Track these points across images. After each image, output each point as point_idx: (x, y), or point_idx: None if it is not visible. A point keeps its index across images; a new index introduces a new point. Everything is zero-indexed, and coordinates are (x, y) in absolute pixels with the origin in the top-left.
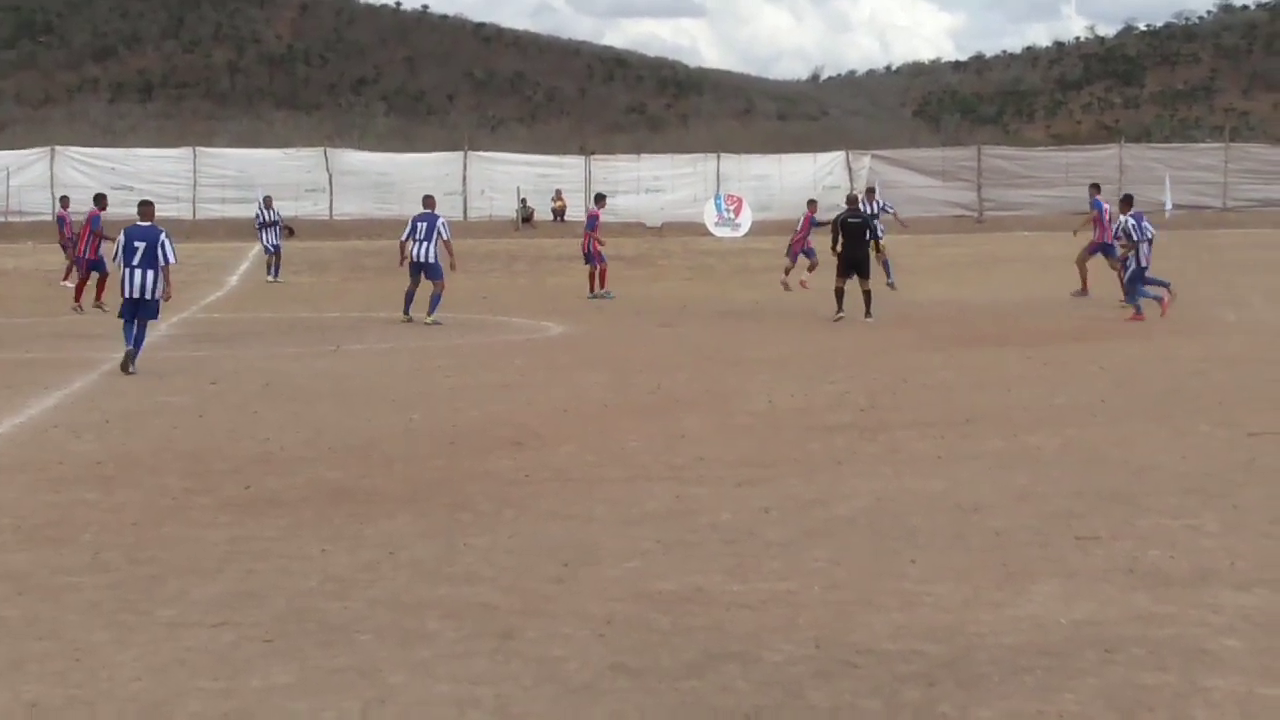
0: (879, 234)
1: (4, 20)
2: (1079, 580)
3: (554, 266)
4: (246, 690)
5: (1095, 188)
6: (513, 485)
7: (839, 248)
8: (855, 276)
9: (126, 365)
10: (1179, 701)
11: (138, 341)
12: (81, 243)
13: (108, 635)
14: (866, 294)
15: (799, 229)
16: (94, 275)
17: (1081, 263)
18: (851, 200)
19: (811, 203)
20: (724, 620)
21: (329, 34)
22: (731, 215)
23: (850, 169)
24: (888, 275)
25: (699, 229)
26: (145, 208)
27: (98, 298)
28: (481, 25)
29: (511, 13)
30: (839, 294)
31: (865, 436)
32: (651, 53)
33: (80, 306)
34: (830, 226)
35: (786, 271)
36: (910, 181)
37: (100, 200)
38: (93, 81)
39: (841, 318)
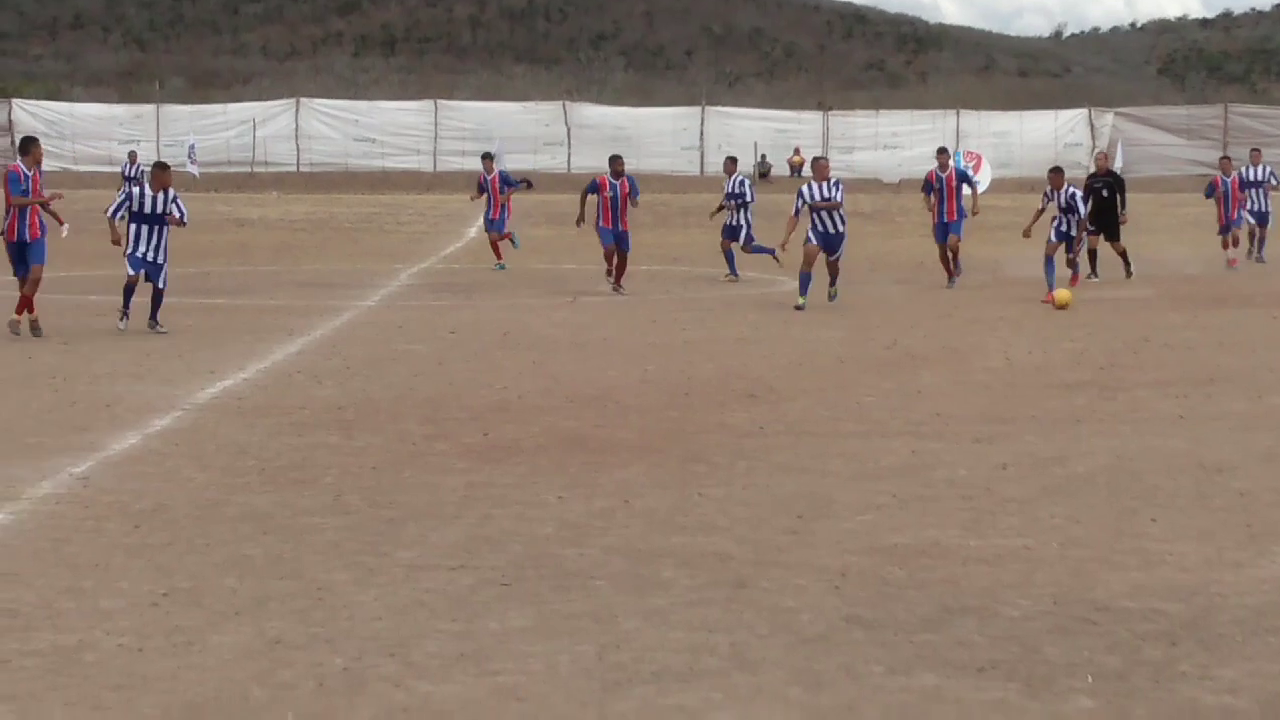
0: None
1: None
2: None
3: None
4: (484, 632)
5: None
6: (747, 438)
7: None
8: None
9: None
10: None
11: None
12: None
13: (348, 575)
14: (1122, 254)
15: None
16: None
17: None
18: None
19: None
20: (960, 575)
21: None
22: (971, 171)
23: (1093, 126)
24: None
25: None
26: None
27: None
28: None
29: None
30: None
31: (1105, 395)
32: (891, 8)
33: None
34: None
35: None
36: (1154, 139)
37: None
38: (337, 35)
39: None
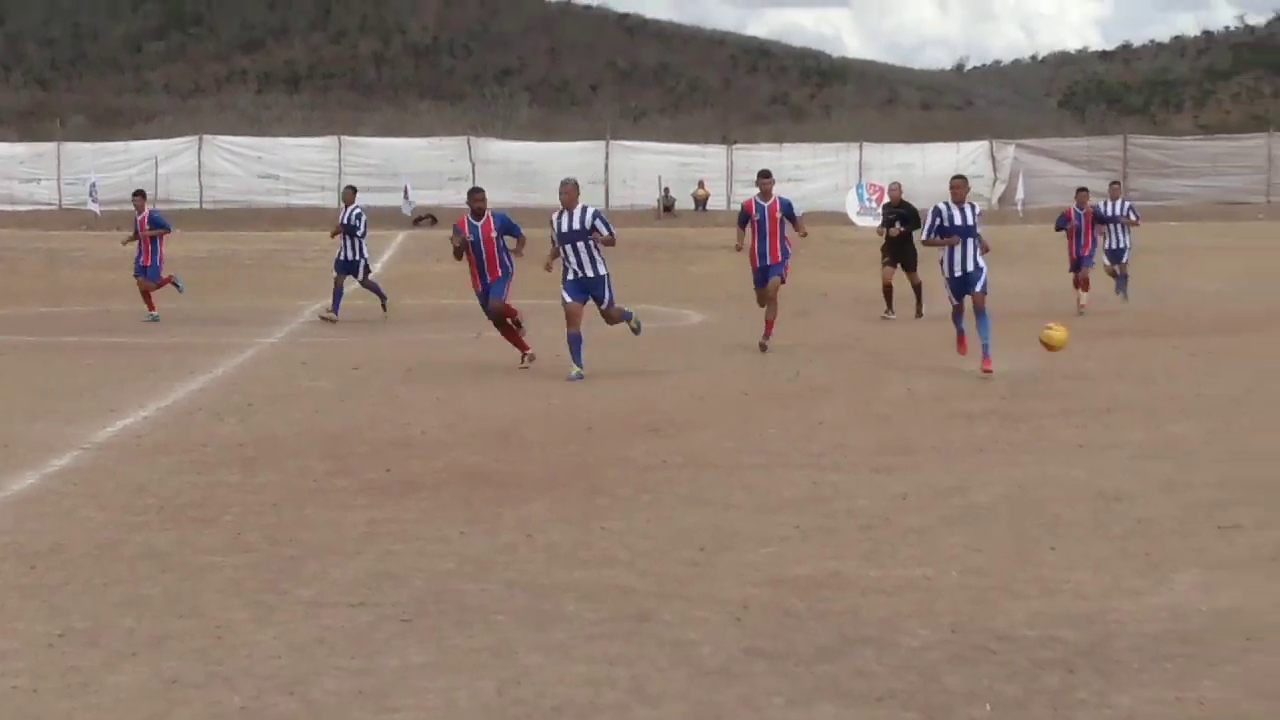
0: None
1: (154, 12)
2: (1222, 569)
3: (694, 255)
4: (383, 669)
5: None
6: (649, 471)
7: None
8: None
9: None
10: None
11: None
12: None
13: (248, 614)
14: (917, 288)
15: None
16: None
17: None
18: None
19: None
20: (860, 605)
21: (474, 24)
22: (873, 204)
23: (994, 158)
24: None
25: (840, 218)
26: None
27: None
28: (625, 16)
29: (656, 3)
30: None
31: (1005, 425)
32: (796, 43)
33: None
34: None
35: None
36: (1055, 171)
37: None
38: (241, 72)
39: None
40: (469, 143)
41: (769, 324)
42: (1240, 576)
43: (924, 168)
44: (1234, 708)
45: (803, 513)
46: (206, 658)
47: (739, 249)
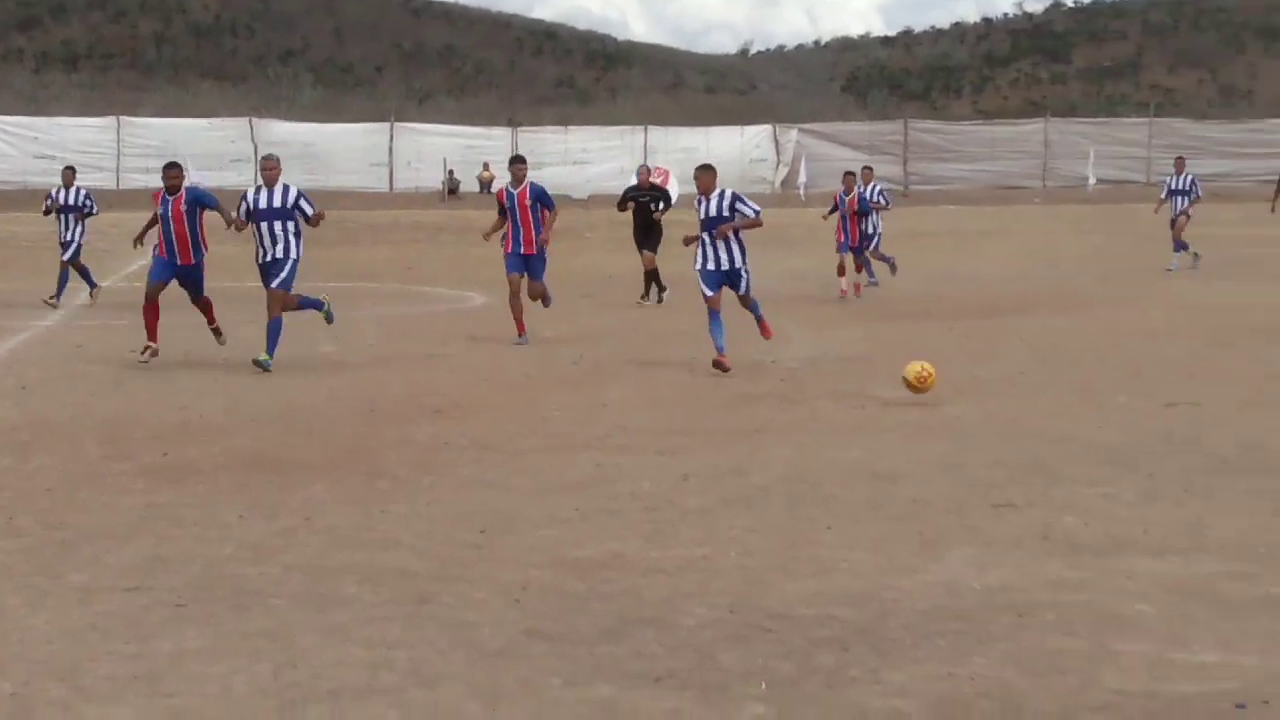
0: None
1: None
2: (994, 548)
3: (478, 238)
4: (157, 654)
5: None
6: (431, 453)
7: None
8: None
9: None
10: (1089, 665)
11: None
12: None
13: (19, 599)
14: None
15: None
16: None
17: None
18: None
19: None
20: (640, 586)
21: (256, 5)
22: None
23: (778, 142)
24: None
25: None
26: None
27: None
28: None
29: None
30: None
31: (784, 406)
32: (581, 26)
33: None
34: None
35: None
36: (837, 155)
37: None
38: (17, 51)
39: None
40: (251, 124)
41: (520, 327)
42: (1011, 554)
43: (708, 151)
44: (1004, 684)
45: (585, 495)
46: None
47: (487, 238)
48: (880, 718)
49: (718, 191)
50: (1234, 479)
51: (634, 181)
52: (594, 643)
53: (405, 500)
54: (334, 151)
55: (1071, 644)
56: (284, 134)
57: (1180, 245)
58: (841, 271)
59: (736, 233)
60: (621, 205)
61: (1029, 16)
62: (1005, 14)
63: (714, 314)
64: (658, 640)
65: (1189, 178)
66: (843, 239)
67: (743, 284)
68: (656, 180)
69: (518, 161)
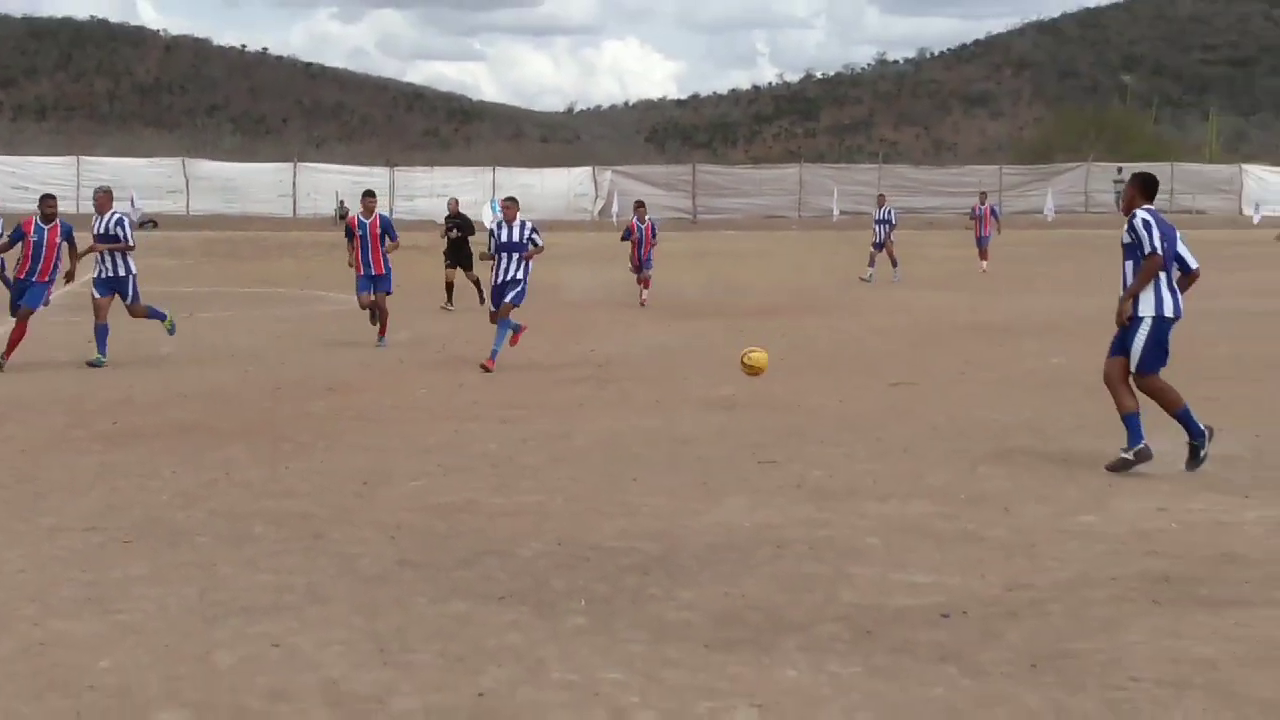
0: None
1: None
2: (760, 495)
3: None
4: (109, 580)
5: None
6: (325, 422)
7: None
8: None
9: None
10: (831, 585)
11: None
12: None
13: None
14: (475, 282)
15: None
16: None
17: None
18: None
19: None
20: (488, 526)
21: (188, 69)
22: (501, 214)
23: (596, 181)
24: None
25: (478, 225)
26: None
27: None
28: (310, 64)
29: (333, 54)
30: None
31: (600, 387)
32: (443, 88)
33: None
34: None
35: None
36: (642, 191)
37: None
38: None
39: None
40: (184, 163)
41: (382, 327)
42: (774, 500)
43: (542, 187)
44: (768, 599)
45: (445, 454)
46: None
47: (350, 264)
48: (673, 626)
49: (519, 221)
50: (942, 441)
51: (492, 216)
52: (452, 569)
53: (304, 459)
54: (249, 185)
55: (818, 569)
56: (209, 171)
57: (875, 261)
58: (643, 283)
59: (528, 258)
60: (443, 233)
61: (788, 85)
62: (770, 83)
63: (503, 332)
64: (501, 567)
65: (889, 210)
66: (636, 261)
67: (511, 295)
68: (500, 212)
69: (368, 195)
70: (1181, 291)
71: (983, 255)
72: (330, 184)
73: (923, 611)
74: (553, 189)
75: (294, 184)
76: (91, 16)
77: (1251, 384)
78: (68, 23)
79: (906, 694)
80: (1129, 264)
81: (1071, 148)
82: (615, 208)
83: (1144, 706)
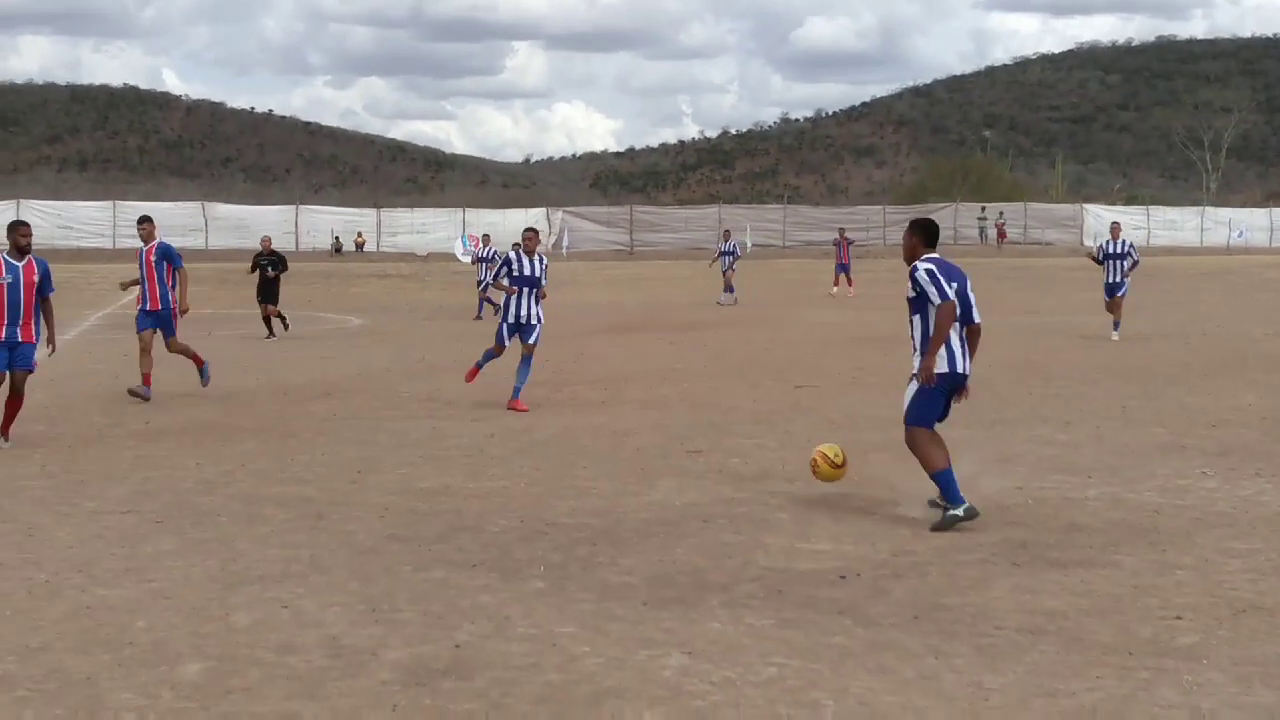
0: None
1: None
2: (688, 478)
3: (355, 281)
4: (143, 554)
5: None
6: (325, 421)
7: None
8: None
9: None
10: (747, 552)
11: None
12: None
13: (50, 518)
14: (278, 315)
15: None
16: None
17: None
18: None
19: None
20: (462, 506)
21: (206, 128)
22: (473, 248)
23: (549, 219)
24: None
25: (450, 257)
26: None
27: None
28: (309, 123)
29: (329, 114)
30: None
31: (555, 389)
32: (421, 143)
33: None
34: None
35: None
36: (587, 228)
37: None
38: (46, 158)
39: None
40: (203, 206)
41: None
42: (699, 483)
43: (504, 225)
44: (694, 564)
45: (425, 447)
46: (21, 548)
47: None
48: (616, 587)
49: (538, 255)
50: (838, 434)
51: (462, 249)
52: (432, 542)
53: (307, 452)
54: (258, 224)
55: (737, 539)
56: (225, 213)
57: (729, 287)
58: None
59: (542, 297)
60: (251, 269)
61: (708, 139)
62: (693, 138)
63: (490, 354)
64: (473, 540)
65: (734, 243)
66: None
67: (533, 337)
68: (470, 246)
69: (145, 221)
70: (971, 352)
71: (836, 281)
72: (327, 223)
73: (824, 573)
74: (514, 225)
75: (296, 223)
76: (125, 83)
77: (1091, 385)
78: (104, 89)
79: (811, 641)
80: (916, 318)
81: (942, 191)
82: (565, 241)
83: (1006, 650)
